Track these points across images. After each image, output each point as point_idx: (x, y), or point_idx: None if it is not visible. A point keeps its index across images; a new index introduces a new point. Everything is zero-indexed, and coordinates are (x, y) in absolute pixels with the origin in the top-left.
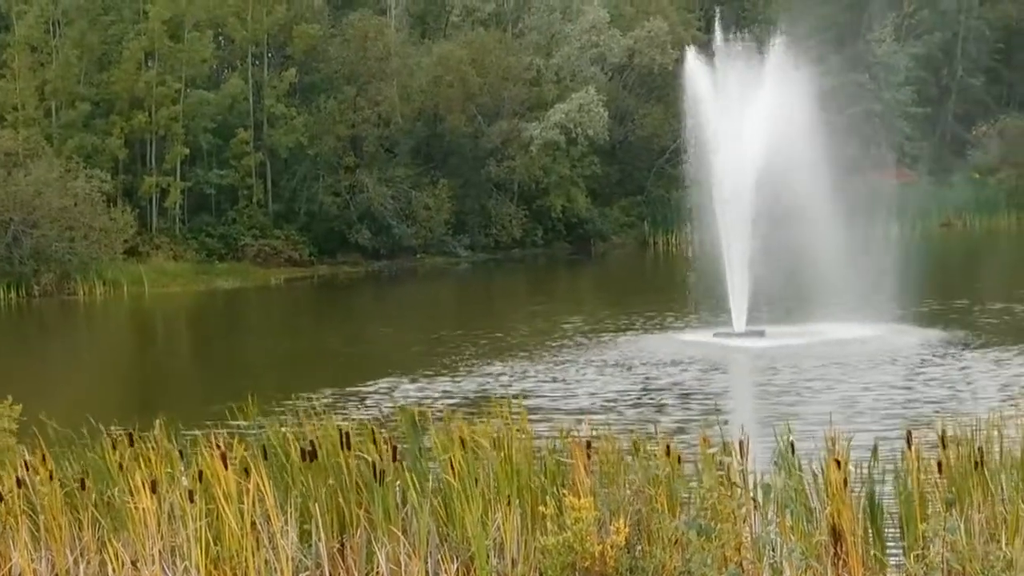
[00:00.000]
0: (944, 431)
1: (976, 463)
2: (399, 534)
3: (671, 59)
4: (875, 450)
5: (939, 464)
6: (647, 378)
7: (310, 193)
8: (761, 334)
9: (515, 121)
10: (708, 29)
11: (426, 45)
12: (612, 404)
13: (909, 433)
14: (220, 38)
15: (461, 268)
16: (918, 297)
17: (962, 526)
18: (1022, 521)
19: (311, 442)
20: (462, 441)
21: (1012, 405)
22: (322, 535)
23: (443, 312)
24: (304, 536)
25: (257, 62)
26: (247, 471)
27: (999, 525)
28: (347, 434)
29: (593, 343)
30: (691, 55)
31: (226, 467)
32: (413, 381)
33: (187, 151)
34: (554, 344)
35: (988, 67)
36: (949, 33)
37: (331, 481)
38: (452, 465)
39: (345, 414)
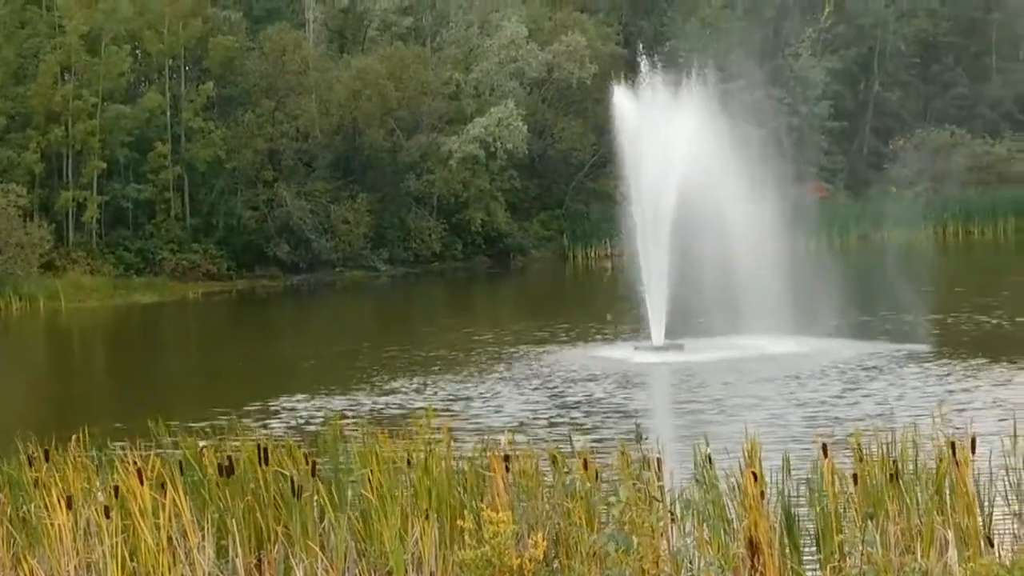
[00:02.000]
0: (860, 444)
1: (891, 475)
2: (317, 549)
3: (590, 73)
4: (787, 462)
5: (855, 477)
6: (565, 392)
7: (228, 207)
8: (680, 348)
9: (434, 135)
10: (627, 43)
11: (344, 59)
12: (530, 418)
13: (824, 446)
14: (137, 52)
15: (380, 282)
16: (837, 310)
17: (878, 538)
18: (937, 533)
19: (228, 457)
20: (380, 456)
21: (930, 417)
22: (239, 551)
23: (361, 326)
24: (221, 552)
25: (174, 75)
26: (164, 486)
27: (914, 537)
28: (265, 449)
29: (511, 357)
30: (613, 74)
31: (142, 482)
32: (331, 396)
33: (104, 165)
34: (473, 358)
35: (904, 81)
36: (866, 48)
37: (248, 497)
38: (370, 480)
39: (263, 429)
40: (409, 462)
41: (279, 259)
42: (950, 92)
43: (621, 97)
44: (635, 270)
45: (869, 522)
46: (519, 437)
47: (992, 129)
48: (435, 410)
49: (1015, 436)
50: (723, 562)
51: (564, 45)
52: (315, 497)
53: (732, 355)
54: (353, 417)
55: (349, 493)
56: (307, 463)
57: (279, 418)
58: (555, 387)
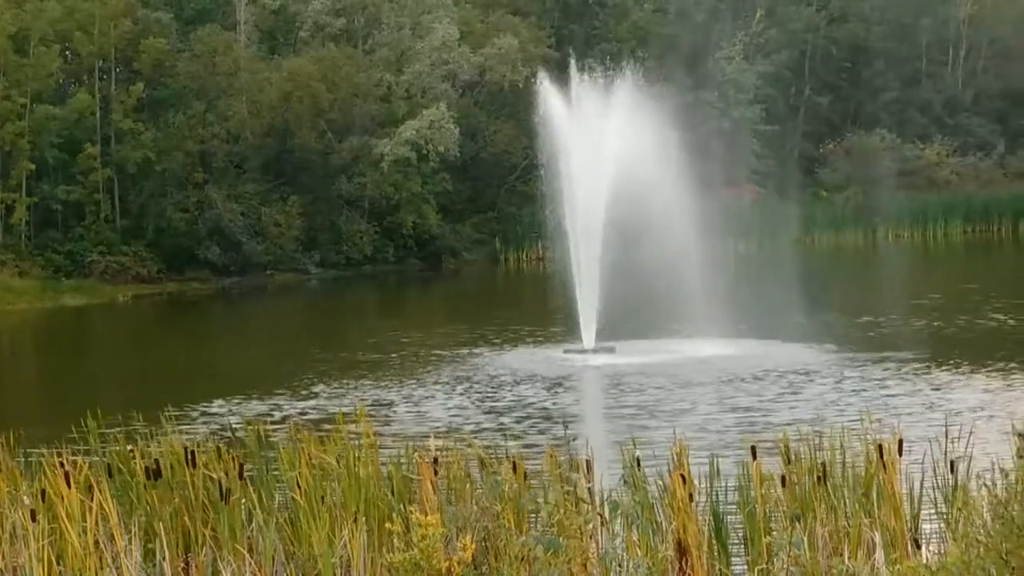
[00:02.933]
0: (788, 446)
1: (819, 478)
2: (245, 553)
3: (522, 76)
4: (716, 465)
5: (783, 479)
6: (495, 395)
7: (158, 209)
8: (611, 350)
9: (366, 137)
10: (559, 46)
11: (276, 61)
12: (460, 421)
13: (753, 448)
14: (67, 52)
15: (311, 285)
16: (768, 313)
17: (806, 540)
18: (865, 535)
19: (156, 460)
20: (309, 458)
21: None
22: (166, 554)
23: (291, 330)
24: (148, 555)
25: (104, 77)
26: (91, 490)
27: (842, 539)
28: (192, 452)
29: (441, 360)
30: (543, 76)
31: (69, 486)
32: (260, 399)
33: (33, 166)
34: (402, 362)
35: (835, 86)
36: (797, 52)
37: (176, 500)
38: (299, 483)
39: (191, 432)
40: (339, 463)
41: (210, 262)
42: (881, 97)
43: (549, 100)
44: (566, 273)
45: (796, 524)
46: (448, 440)
47: (922, 133)
48: (363, 413)
49: (947, 440)
50: (652, 564)
51: (496, 48)
52: (243, 500)
53: (663, 358)
54: (282, 420)
55: (277, 496)
56: (235, 466)
57: (208, 421)
58: (484, 390)
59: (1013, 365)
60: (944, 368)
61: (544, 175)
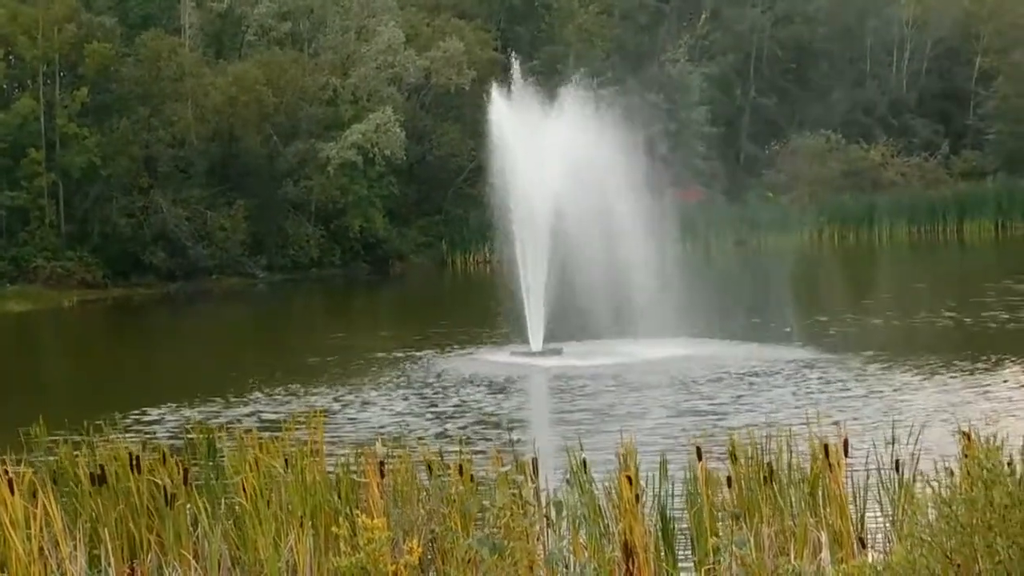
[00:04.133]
0: (735, 447)
1: (765, 478)
2: (190, 558)
3: (468, 79)
4: (664, 466)
5: (728, 479)
6: (442, 398)
7: (103, 214)
8: (559, 352)
9: (312, 141)
10: (505, 49)
11: (221, 65)
12: (406, 424)
13: (699, 448)
14: (10, 57)
15: (258, 289)
16: (715, 314)
17: (752, 540)
18: (811, 535)
19: (100, 466)
20: (255, 463)
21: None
22: (112, 560)
23: (237, 334)
24: (93, 561)
25: (48, 81)
26: (35, 496)
27: (788, 538)
28: (137, 458)
29: (388, 363)
30: (493, 87)
31: (12, 492)
32: (205, 404)
33: None
34: (349, 365)
35: (780, 87)
36: (742, 54)
37: (121, 505)
38: (245, 487)
39: (136, 438)
40: (285, 468)
41: (155, 267)
42: (826, 98)
43: (495, 103)
44: (513, 275)
45: (743, 524)
46: (394, 444)
47: (867, 134)
48: (309, 417)
49: (893, 440)
50: (598, 566)
51: (442, 51)
52: (188, 505)
53: (612, 360)
54: (227, 425)
55: (223, 501)
56: (180, 471)
57: (153, 426)
58: (431, 394)
59: (961, 364)
60: (894, 367)
61: (491, 178)
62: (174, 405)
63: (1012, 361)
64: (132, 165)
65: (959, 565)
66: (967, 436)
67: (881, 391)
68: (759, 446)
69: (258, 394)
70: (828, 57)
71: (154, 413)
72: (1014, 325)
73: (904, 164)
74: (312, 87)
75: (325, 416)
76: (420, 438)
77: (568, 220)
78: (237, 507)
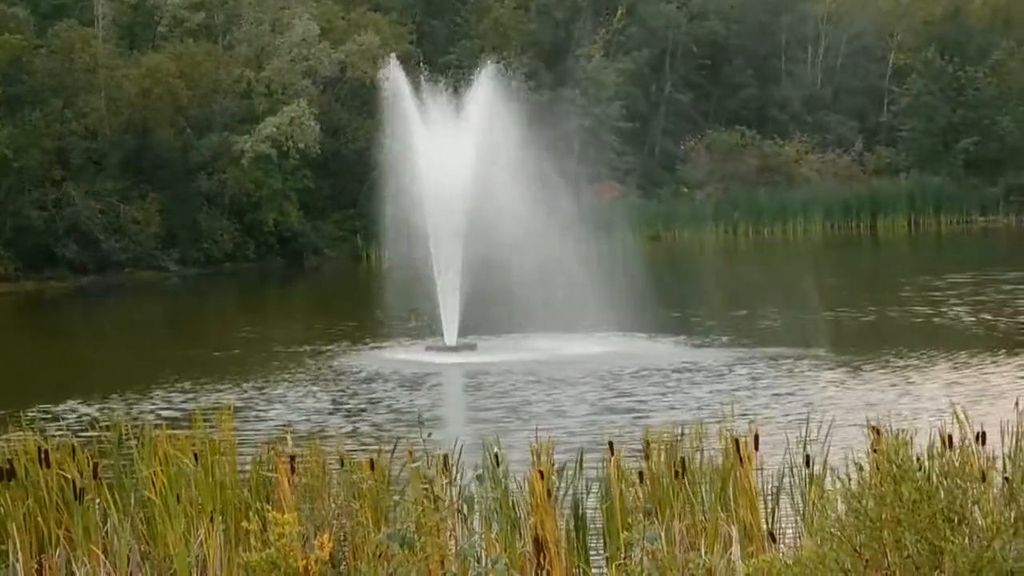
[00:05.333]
0: (648, 442)
1: (677, 473)
2: (99, 553)
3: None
4: (580, 461)
5: (640, 474)
6: (354, 393)
7: (15, 207)
8: (473, 348)
9: (226, 134)
10: (420, 43)
11: (134, 56)
12: (317, 419)
13: (611, 444)
14: None
15: (171, 283)
16: (629, 309)
17: (663, 535)
18: (722, 529)
19: (9, 460)
20: (165, 457)
21: (721, 414)
22: (19, 555)
23: (149, 328)
24: (1, 556)
25: None
26: None
27: (699, 533)
28: (46, 451)
29: (301, 358)
30: (394, 69)
31: None
32: (116, 398)
33: None
34: (261, 359)
35: (696, 83)
36: (658, 49)
37: (30, 500)
38: (154, 482)
39: (44, 432)
40: (196, 463)
41: (68, 260)
42: (740, 94)
43: (401, 97)
44: (427, 270)
45: (655, 519)
46: (306, 439)
47: (781, 130)
48: (220, 412)
49: (806, 434)
50: (509, 560)
51: (357, 44)
52: (98, 500)
53: (525, 356)
54: (138, 419)
55: (133, 496)
56: (89, 465)
57: (61, 421)
58: (344, 389)
59: (874, 359)
60: (810, 363)
61: (395, 173)
62: (84, 399)
63: (927, 356)
64: (44, 157)
65: (868, 559)
66: (876, 431)
67: (797, 386)
68: (672, 442)
69: (168, 388)
70: (743, 53)
71: (63, 407)
72: (928, 320)
73: (818, 160)
74: (226, 79)
75: (234, 411)
76: (332, 433)
77: (480, 216)
78: (147, 502)
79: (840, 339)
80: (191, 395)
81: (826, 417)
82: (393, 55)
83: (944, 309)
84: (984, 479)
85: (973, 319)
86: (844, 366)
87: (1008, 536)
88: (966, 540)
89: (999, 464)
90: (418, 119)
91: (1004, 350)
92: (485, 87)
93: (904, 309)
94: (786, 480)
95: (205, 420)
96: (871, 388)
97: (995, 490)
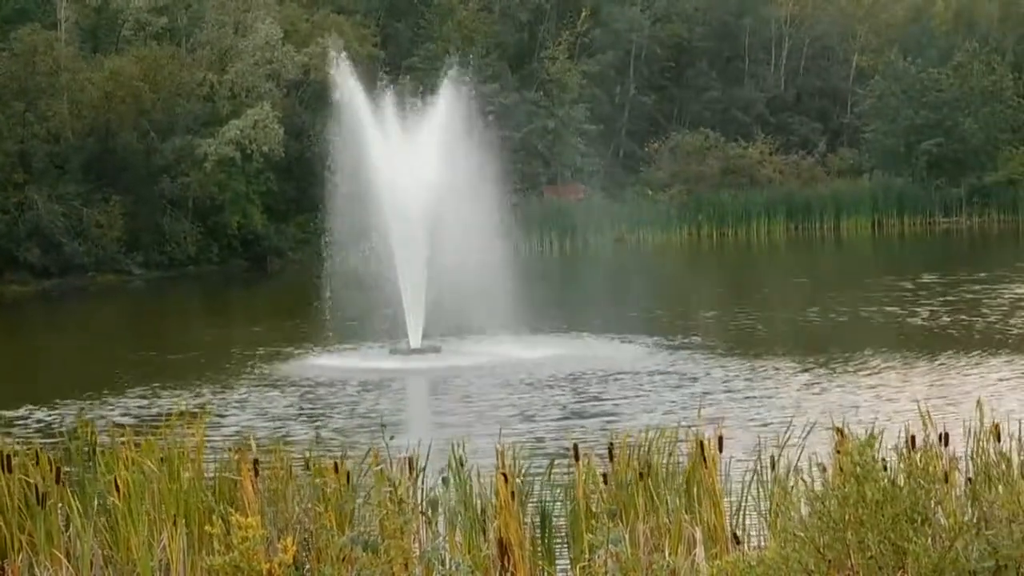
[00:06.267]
0: (613, 444)
1: (641, 475)
2: (62, 558)
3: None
4: (550, 465)
5: (605, 476)
6: (318, 396)
7: None
8: (438, 351)
9: (189, 137)
10: (384, 45)
11: (97, 60)
12: (280, 423)
13: (575, 446)
14: None
15: (134, 286)
16: (594, 311)
17: (627, 537)
18: (686, 531)
19: None
20: (129, 461)
21: (684, 416)
22: None
23: (111, 332)
24: None
25: None
26: None
27: (663, 535)
28: (8, 456)
29: (263, 361)
30: (343, 70)
31: None
32: (79, 401)
33: None
34: (224, 363)
35: (659, 85)
36: (621, 51)
37: None
38: (118, 486)
39: (5, 436)
40: (160, 466)
41: (30, 263)
42: (704, 96)
43: (352, 98)
44: (391, 272)
45: (619, 521)
46: (269, 442)
47: (745, 132)
48: (184, 415)
49: (771, 436)
50: (474, 563)
51: (321, 47)
52: (61, 504)
53: (491, 358)
54: (100, 422)
55: (96, 500)
56: (52, 469)
57: (23, 425)
58: (307, 392)
59: (844, 360)
60: (778, 363)
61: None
62: (42, 403)
63: (898, 357)
64: (6, 161)
65: (831, 560)
66: (840, 432)
67: (767, 388)
68: (637, 444)
69: (130, 392)
70: (706, 55)
71: (24, 411)
72: (899, 321)
73: (782, 162)
74: (189, 83)
75: (198, 414)
76: (296, 436)
77: (443, 218)
78: (110, 506)
79: (809, 340)
80: (152, 399)
81: (794, 419)
82: (343, 54)
83: (916, 309)
84: (947, 480)
85: (947, 320)
86: (813, 367)
87: (970, 536)
88: (929, 540)
89: (962, 465)
90: (371, 121)
91: (976, 351)
92: (446, 89)
93: (875, 310)
94: (751, 482)
95: (168, 424)
96: (841, 389)
97: (958, 490)
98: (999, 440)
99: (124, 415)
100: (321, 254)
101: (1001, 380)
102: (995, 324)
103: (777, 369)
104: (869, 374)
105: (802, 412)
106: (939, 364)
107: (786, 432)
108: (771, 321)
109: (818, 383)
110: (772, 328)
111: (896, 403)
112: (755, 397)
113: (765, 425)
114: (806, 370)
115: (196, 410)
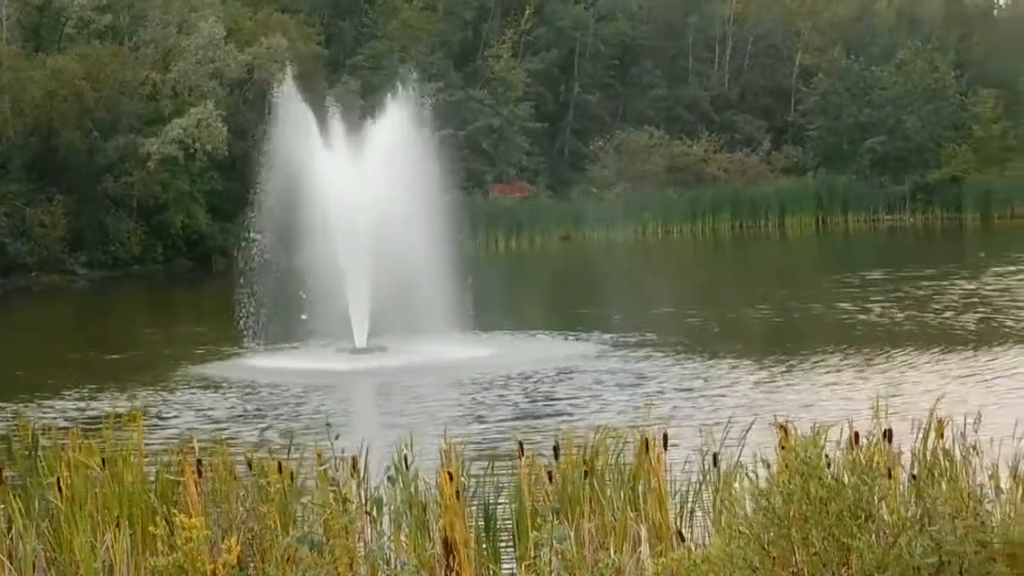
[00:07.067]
0: (559, 442)
1: (586, 473)
2: (4, 559)
3: (291, 74)
4: (493, 462)
5: (550, 474)
6: (261, 396)
7: None
8: (384, 350)
9: (132, 136)
10: (329, 44)
11: (40, 58)
12: (224, 424)
13: (520, 444)
14: None
15: (78, 286)
16: (541, 309)
17: (572, 535)
18: (631, 529)
19: None
20: (71, 462)
21: (630, 413)
22: None
23: (54, 332)
24: None
25: None
26: None
27: (608, 533)
28: None
29: (207, 361)
30: (288, 87)
31: None
32: (17, 402)
33: None
34: (166, 363)
35: (604, 83)
36: (566, 49)
37: None
38: (60, 487)
39: None
40: (103, 467)
41: None
42: (649, 94)
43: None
44: (335, 273)
45: (564, 519)
46: (212, 442)
47: (690, 130)
48: (124, 416)
49: (718, 432)
50: (419, 562)
51: (264, 46)
52: (2, 506)
53: (438, 358)
54: (41, 422)
55: (38, 501)
56: None
57: None
58: (253, 391)
59: (785, 357)
60: (720, 359)
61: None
62: None
63: (848, 353)
64: None
65: (776, 557)
66: (783, 429)
67: (717, 385)
68: (583, 442)
69: (68, 394)
70: (651, 53)
71: None
72: (846, 318)
73: (727, 160)
74: (132, 81)
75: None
76: (240, 436)
77: (386, 217)
78: (52, 507)
79: (762, 338)
80: (93, 399)
81: (744, 417)
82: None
83: (869, 306)
84: (891, 476)
85: (901, 316)
86: (768, 365)
87: (914, 532)
88: (873, 537)
89: (907, 461)
90: (312, 126)
91: (926, 347)
92: (391, 88)
93: (826, 307)
94: (697, 479)
95: (111, 424)
96: (795, 387)
97: (902, 486)
98: (942, 437)
99: (59, 417)
100: (256, 253)
101: (957, 377)
102: (949, 320)
103: (733, 367)
104: (825, 371)
105: (753, 410)
106: (892, 361)
107: (725, 429)
108: (723, 319)
109: (772, 381)
110: (725, 326)
111: (851, 400)
112: (708, 395)
113: (713, 422)
114: (761, 367)
115: (136, 411)
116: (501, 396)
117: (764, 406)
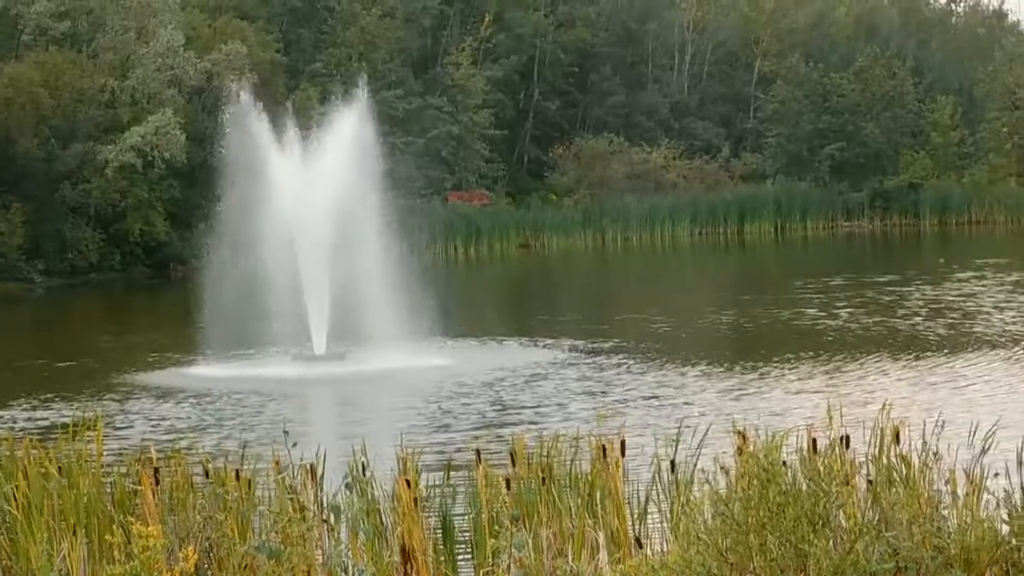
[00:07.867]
0: (516, 449)
1: (543, 479)
2: None
3: (250, 81)
4: (448, 470)
5: (507, 482)
6: (220, 403)
7: None
8: (342, 357)
9: (90, 144)
10: (287, 51)
11: None
12: (180, 432)
13: (478, 451)
14: None
15: (35, 294)
16: (504, 317)
17: (530, 542)
18: (589, 536)
19: None
20: (27, 471)
21: (587, 421)
22: None
23: (8, 340)
24: None
25: None
26: None
27: (566, 540)
28: None
29: (166, 370)
30: (245, 102)
31: None
32: None
33: None
34: (123, 371)
35: (563, 90)
36: (525, 57)
37: None
38: (16, 495)
39: None
40: (59, 475)
41: None
42: (608, 101)
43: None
44: (295, 281)
45: (522, 527)
46: (169, 451)
47: (649, 137)
48: (83, 424)
49: (676, 439)
50: (376, 570)
51: (223, 54)
52: None
53: (398, 364)
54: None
55: None
56: None
57: None
58: (209, 400)
59: (745, 363)
60: (677, 366)
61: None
62: None
63: (797, 359)
64: None
65: (733, 563)
66: (742, 435)
67: (678, 392)
68: (540, 449)
69: (25, 401)
70: (610, 60)
71: None
72: (805, 324)
73: (686, 166)
74: (90, 88)
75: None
76: (199, 444)
77: (344, 223)
78: (8, 516)
79: (727, 344)
80: (55, 407)
81: (703, 423)
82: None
83: (836, 311)
84: (848, 482)
85: (869, 320)
86: (734, 371)
87: (871, 538)
88: (830, 543)
89: (864, 467)
90: (269, 136)
91: (897, 353)
92: (349, 96)
93: (790, 313)
94: (655, 486)
95: (67, 433)
96: (744, 391)
97: (859, 493)
98: (899, 442)
99: (17, 424)
100: (217, 261)
101: (930, 384)
102: (917, 326)
103: (692, 373)
104: (796, 378)
105: (713, 415)
106: (854, 367)
107: (695, 436)
108: (687, 326)
109: (738, 388)
110: (690, 333)
111: (820, 407)
112: (666, 401)
113: (673, 429)
114: (721, 373)
115: (91, 419)
116: (462, 403)
117: (731, 413)
